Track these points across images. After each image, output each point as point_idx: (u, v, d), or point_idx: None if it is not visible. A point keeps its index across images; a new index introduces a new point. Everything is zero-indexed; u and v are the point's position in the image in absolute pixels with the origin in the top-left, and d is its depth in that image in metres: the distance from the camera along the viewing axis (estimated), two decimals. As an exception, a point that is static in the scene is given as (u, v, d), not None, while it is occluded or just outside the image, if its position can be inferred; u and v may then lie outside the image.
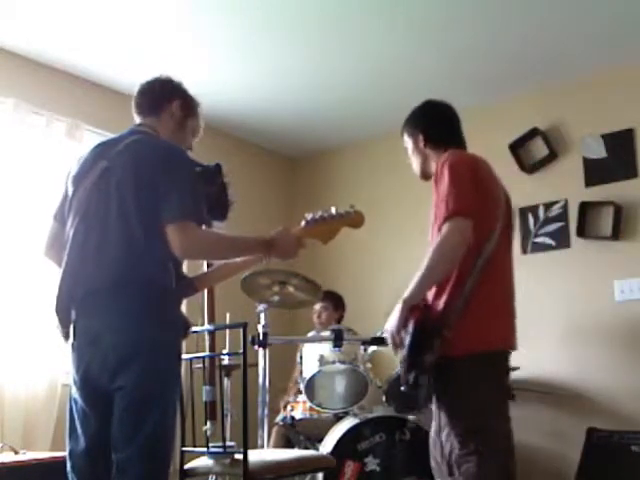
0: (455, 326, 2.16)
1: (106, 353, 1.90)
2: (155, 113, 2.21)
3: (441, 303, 2.22)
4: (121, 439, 1.89)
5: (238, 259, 2.29)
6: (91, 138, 3.90)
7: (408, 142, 2.57)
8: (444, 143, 2.45)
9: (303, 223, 2.24)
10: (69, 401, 2.04)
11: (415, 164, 2.55)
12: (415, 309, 2.17)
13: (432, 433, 2.31)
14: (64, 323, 2.00)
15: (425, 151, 2.49)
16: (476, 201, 2.20)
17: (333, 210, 2.25)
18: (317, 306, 4.21)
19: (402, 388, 2.25)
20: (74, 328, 1.98)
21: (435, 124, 2.51)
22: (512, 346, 2.32)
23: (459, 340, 2.16)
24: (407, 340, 2.15)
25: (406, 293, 2.18)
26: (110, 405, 1.91)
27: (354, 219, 2.28)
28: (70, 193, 2.11)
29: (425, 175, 2.52)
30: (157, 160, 2.01)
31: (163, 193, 1.95)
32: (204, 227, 2.05)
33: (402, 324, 2.16)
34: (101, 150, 2.12)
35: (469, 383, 2.19)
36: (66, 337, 2.02)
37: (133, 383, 1.89)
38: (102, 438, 1.93)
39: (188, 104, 2.29)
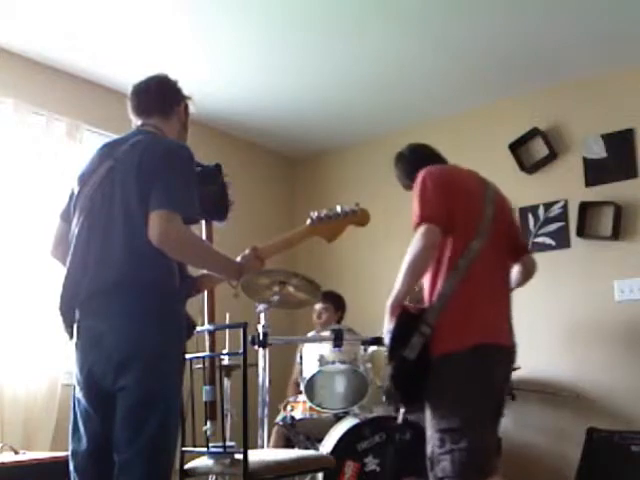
0: (434, 325, 2.27)
1: (110, 353, 1.90)
2: (163, 115, 2.21)
3: (427, 302, 2.37)
4: (123, 439, 1.89)
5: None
6: (91, 138, 3.91)
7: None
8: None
9: (308, 222, 2.24)
10: (72, 401, 2.04)
11: None
12: (398, 310, 2.31)
13: (430, 427, 2.36)
14: (68, 323, 2.00)
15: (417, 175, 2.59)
16: (442, 209, 2.36)
17: (338, 208, 2.26)
18: (318, 306, 4.20)
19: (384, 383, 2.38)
20: (78, 328, 1.98)
21: (413, 167, 2.61)
22: (496, 342, 2.34)
23: (437, 339, 2.27)
24: (388, 337, 2.30)
25: (390, 299, 2.34)
26: (113, 405, 1.91)
27: (359, 217, 2.29)
28: (76, 192, 2.12)
29: None
30: (161, 157, 2.01)
31: (158, 186, 1.94)
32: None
33: (389, 327, 2.32)
34: (108, 150, 2.12)
35: (446, 382, 2.28)
36: (71, 336, 2.02)
37: (136, 383, 1.89)
38: (105, 438, 1.93)
39: (188, 105, 2.30)
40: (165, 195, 1.94)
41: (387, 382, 2.32)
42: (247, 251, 2.23)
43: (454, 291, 2.30)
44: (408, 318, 2.30)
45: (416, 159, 2.70)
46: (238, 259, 2.20)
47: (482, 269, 2.35)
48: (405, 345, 2.25)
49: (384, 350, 3.40)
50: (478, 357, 2.27)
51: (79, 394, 1.99)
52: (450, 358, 2.27)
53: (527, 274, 2.67)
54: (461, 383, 2.27)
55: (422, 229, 2.33)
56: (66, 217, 2.16)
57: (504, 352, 2.39)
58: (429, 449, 2.30)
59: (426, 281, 2.42)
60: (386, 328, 2.33)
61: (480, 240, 2.37)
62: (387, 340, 2.32)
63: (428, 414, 2.32)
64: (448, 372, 2.28)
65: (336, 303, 4.29)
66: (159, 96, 2.23)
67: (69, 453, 2.02)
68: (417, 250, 2.31)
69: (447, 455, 2.22)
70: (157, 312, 1.96)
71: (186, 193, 2.00)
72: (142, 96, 2.24)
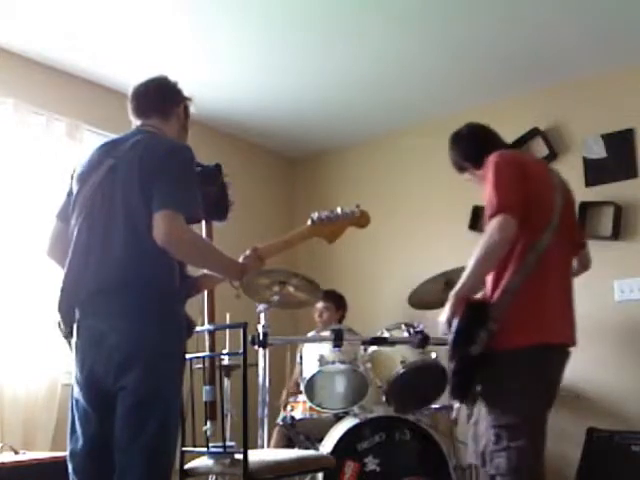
0: (502, 320, 2.20)
1: (110, 353, 1.90)
2: (162, 116, 2.22)
3: (493, 296, 2.29)
4: (124, 439, 1.89)
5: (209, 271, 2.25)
6: (91, 138, 3.90)
7: (466, 175, 2.68)
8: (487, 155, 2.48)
9: (309, 222, 2.25)
10: (70, 401, 2.03)
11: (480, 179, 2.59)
12: (463, 302, 2.24)
13: (471, 422, 2.36)
14: (67, 322, 2.00)
15: (480, 173, 2.55)
16: (520, 198, 2.25)
17: (339, 210, 2.26)
18: (319, 305, 4.21)
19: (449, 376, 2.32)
20: (77, 328, 1.98)
21: (472, 150, 2.58)
22: (562, 342, 2.32)
23: (502, 335, 2.20)
24: (452, 332, 2.22)
25: (455, 287, 2.26)
26: (113, 405, 1.91)
27: (360, 219, 2.29)
28: (75, 191, 2.11)
29: None
30: (163, 156, 2.02)
31: (160, 186, 1.95)
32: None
33: (452, 317, 2.24)
34: (108, 148, 2.12)
35: (509, 378, 2.23)
36: (67, 336, 2.02)
37: (136, 383, 1.89)
38: (104, 438, 1.93)
39: (187, 106, 2.31)
40: (168, 195, 1.94)
41: (450, 378, 2.27)
42: (248, 252, 2.23)
43: (522, 286, 2.23)
44: (473, 312, 2.22)
45: (476, 140, 2.61)
46: (240, 260, 2.21)
47: (550, 263, 2.29)
48: (470, 341, 2.18)
49: (389, 350, 3.43)
50: (543, 355, 2.23)
51: (78, 394, 1.99)
52: (515, 354, 2.21)
53: (582, 269, 2.63)
54: (524, 379, 2.22)
55: (499, 220, 2.20)
56: (63, 217, 2.15)
57: (567, 351, 2.35)
58: (482, 444, 2.25)
59: (491, 273, 2.33)
60: (445, 318, 2.25)
61: (550, 232, 2.29)
62: (443, 331, 2.26)
63: (485, 409, 2.27)
64: (512, 368, 2.22)
65: (337, 302, 4.29)
66: (158, 97, 2.24)
67: (67, 454, 2.02)
68: (492, 243, 2.19)
69: (503, 452, 2.17)
70: (157, 312, 1.96)
71: (189, 193, 2.00)
72: (141, 98, 2.24)
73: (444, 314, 2.27)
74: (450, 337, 2.23)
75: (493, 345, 2.19)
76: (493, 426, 2.22)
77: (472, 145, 2.60)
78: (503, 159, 2.36)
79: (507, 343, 2.21)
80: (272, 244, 2.31)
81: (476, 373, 2.23)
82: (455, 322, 2.22)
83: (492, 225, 2.21)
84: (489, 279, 2.34)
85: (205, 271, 2.46)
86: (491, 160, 2.36)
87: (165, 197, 1.94)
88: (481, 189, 2.52)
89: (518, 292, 2.23)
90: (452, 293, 2.26)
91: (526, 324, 2.23)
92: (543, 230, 2.29)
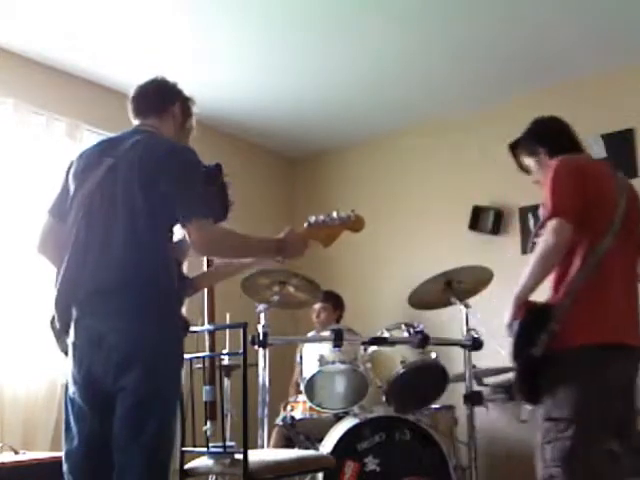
0: (563, 321, 2.27)
1: (109, 353, 1.90)
2: (157, 115, 2.22)
3: (554, 298, 2.35)
4: (123, 439, 1.89)
5: (247, 259, 2.30)
6: (91, 138, 3.90)
7: (529, 160, 2.67)
8: (565, 151, 2.52)
9: (305, 225, 2.25)
10: (64, 401, 2.03)
11: (542, 179, 2.60)
12: (525, 305, 2.32)
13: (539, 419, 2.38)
14: (63, 320, 1.99)
15: (549, 163, 2.54)
16: (576, 203, 2.31)
17: (335, 214, 2.26)
18: (316, 306, 4.21)
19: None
20: (75, 327, 1.97)
21: (553, 137, 2.60)
22: (625, 342, 2.32)
23: (564, 334, 2.26)
24: (513, 335, 2.31)
25: (516, 290, 2.34)
26: (111, 405, 1.91)
27: (354, 224, 2.30)
28: (72, 189, 2.10)
29: None
30: (166, 158, 2.02)
31: (176, 193, 1.96)
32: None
33: (512, 319, 2.33)
34: (106, 147, 2.11)
35: (568, 376, 2.27)
36: (60, 334, 2.00)
37: (136, 383, 1.88)
38: (100, 439, 1.93)
39: (187, 105, 2.31)
40: (192, 204, 1.97)
41: (513, 380, 2.35)
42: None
43: (583, 288, 2.29)
44: (534, 314, 2.30)
45: (561, 130, 2.62)
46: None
47: (612, 266, 2.33)
48: (532, 342, 2.26)
49: (389, 350, 3.43)
50: (604, 354, 2.26)
51: (73, 394, 1.98)
52: (576, 353, 2.27)
53: None
54: (583, 378, 2.26)
55: (554, 223, 2.28)
56: (55, 213, 2.14)
57: (630, 351, 2.35)
58: (539, 438, 2.31)
59: (553, 275, 2.38)
60: (508, 320, 2.33)
61: (612, 236, 2.34)
62: (510, 334, 2.33)
63: (543, 404, 2.32)
64: (572, 367, 2.27)
65: (334, 302, 4.29)
66: (153, 97, 2.25)
67: (63, 454, 2.01)
68: (547, 246, 2.28)
69: (549, 445, 2.24)
70: (157, 312, 1.96)
71: (208, 197, 2.04)
72: (140, 98, 2.25)
73: (506, 317, 2.35)
74: (511, 340, 2.31)
75: (554, 345, 2.26)
76: (544, 419, 2.29)
77: (554, 133, 2.62)
78: (563, 164, 2.41)
79: (568, 343, 2.27)
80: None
81: (538, 373, 2.30)
82: (516, 325, 2.31)
83: (547, 229, 2.30)
84: (551, 281, 2.40)
85: (204, 270, 2.47)
86: (552, 164, 2.42)
87: (192, 206, 1.96)
88: (541, 179, 2.57)
89: (579, 294, 2.29)
90: (514, 296, 2.34)
91: (587, 325, 2.28)
92: (604, 234, 2.34)
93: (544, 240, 2.29)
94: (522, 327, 2.29)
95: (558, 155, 2.48)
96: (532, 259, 2.31)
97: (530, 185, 4.27)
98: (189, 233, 1.95)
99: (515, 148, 2.75)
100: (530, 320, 2.30)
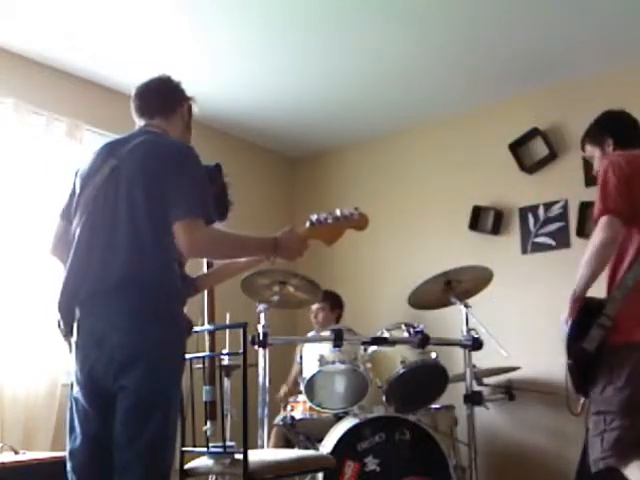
0: (615, 316, 2.33)
1: (111, 353, 1.90)
2: (165, 115, 2.22)
3: (608, 294, 2.42)
4: (124, 439, 1.89)
5: (242, 259, 2.29)
6: (91, 138, 3.91)
7: (594, 150, 2.74)
8: (632, 144, 2.60)
9: (307, 224, 2.23)
10: (69, 400, 2.03)
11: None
12: (580, 301, 2.41)
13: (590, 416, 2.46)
14: (67, 321, 2.00)
15: (602, 160, 2.62)
16: (627, 199, 2.38)
17: (338, 212, 2.24)
18: (314, 306, 4.21)
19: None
20: (78, 327, 1.97)
21: (622, 129, 2.67)
22: None
23: (616, 329, 2.33)
24: (567, 331, 2.41)
25: (574, 289, 2.43)
26: (112, 405, 1.91)
27: (358, 222, 2.28)
28: (77, 191, 2.11)
29: None
30: (169, 158, 2.02)
31: (173, 191, 1.96)
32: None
33: (569, 317, 2.44)
34: (110, 149, 2.12)
35: (617, 370, 2.34)
36: (67, 335, 2.01)
37: (137, 383, 1.89)
38: (103, 438, 1.93)
39: (191, 106, 2.31)
40: (184, 203, 1.95)
41: (566, 373, 2.43)
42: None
43: (635, 284, 2.34)
44: (587, 310, 2.37)
45: (633, 126, 2.70)
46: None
47: None
48: (584, 337, 2.33)
49: (389, 350, 3.43)
50: None
51: (77, 393, 1.99)
52: (627, 348, 2.33)
53: None
54: (633, 372, 2.31)
55: (604, 221, 2.36)
56: (66, 216, 2.16)
57: None
58: (588, 430, 2.40)
59: (606, 271, 2.45)
60: (564, 318, 2.42)
61: None
62: (565, 331, 2.42)
63: (593, 398, 2.40)
64: (623, 361, 2.33)
65: (332, 302, 4.28)
66: (161, 97, 2.24)
67: (66, 453, 2.02)
68: (599, 242, 2.35)
69: (598, 437, 2.33)
70: (159, 312, 1.97)
71: (204, 197, 2.01)
72: (144, 97, 2.24)
73: (563, 315, 2.45)
74: (565, 336, 2.41)
75: (607, 340, 2.33)
76: (593, 413, 2.37)
77: (626, 125, 2.69)
78: (613, 164, 2.46)
79: (619, 338, 2.33)
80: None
81: (591, 367, 2.37)
82: (569, 322, 2.40)
83: (598, 227, 2.37)
84: (605, 277, 2.46)
85: (204, 271, 2.47)
86: (605, 161, 2.48)
87: (183, 205, 1.95)
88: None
89: (631, 290, 2.35)
90: (572, 293, 2.41)
91: (629, 320, 2.34)
92: None
93: (594, 238, 2.36)
94: (573, 322, 2.39)
95: (621, 147, 2.55)
96: (584, 258, 2.38)
97: (530, 185, 4.31)
98: (177, 233, 1.93)
99: (585, 137, 2.82)
100: (582, 317, 2.38)
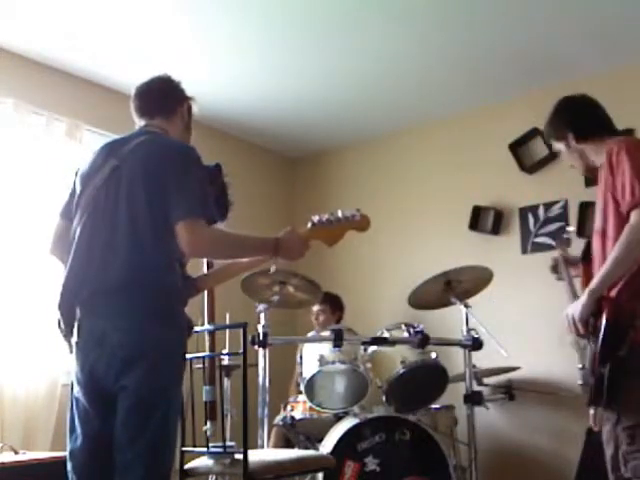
0: None
1: (112, 353, 1.90)
2: (165, 115, 2.22)
3: (630, 293, 2.21)
4: (124, 439, 1.89)
5: (244, 259, 2.29)
6: (91, 138, 3.91)
7: (559, 145, 2.57)
8: (596, 133, 2.44)
9: (309, 225, 2.23)
10: (70, 400, 2.03)
11: (575, 163, 2.55)
12: (604, 301, 2.19)
13: (608, 426, 2.24)
14: (67, 321, 2.00)
15: (578, 147, 2.49)
16: None
17: (339, 213, 2.24)
18: (315, 308, 4.21)
19: (589, 381, 2.24)
20: (78, 327, 1.97)
21: (580, 117, 2.50)
22: None
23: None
24: (600, 334, 2.16)
25: (593, 283, 2.21)
26: (113, 405, 1.91)
27: (360, 223, 2.27)
28: (78, 191, 2.11)
29: (589, 169, 2.53)
30: (170, 158, 2.02)
31: (174, 191, 1.96)
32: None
33: (588, 313, 2.21)
34: (111, 149, 2.12)
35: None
36: (67, 335, 2.01)
37: (138, 383, 1.89)
38: (104, 438, 1.93)
39: (191, 105, 2.31)
40: (185, 203, 1.95)
41: (595, 383, 2.20)
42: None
43: None
44: (619, 313, 2.16)
45: (592, 110, 2.53)
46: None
47: None
48: (621, 343, 2.13)
49: (389, 350, 3.42)
50: None
51: (78, 393, 1.99)
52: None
53: None
54: None
55: (638, 213, 2.14)
56: (66, 215, 2.16)
57: None
58: (612, 447, 2.18)
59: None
60: (578, 315, 2.22)
61: None
62: (584, 330, 2.21)
63: (619, 407, 2.18)
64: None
65: (333, 304, 4.28)
66: (161, 97, 2.24)
67: (67, 453, 2.02)
68: (635, 240, 2.14)
69: (639, 453, 2.11)
70: (160, 312, 1.97)
71: (204, 197, 2.01)
72: (144, 97, 2.24)
73: (577, 309, 2.24)
74: (599, 340, 2.17)
75: (637, 340, 2.14)
76: (625, 428, 2.15)
77: (584, 114, 2.51)
78: (635, 146, 2.26)
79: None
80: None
81: (621, 373, 2.16)
82: (602, 323, 2.17)
83: (634, 218, 2.15)
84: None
85: (204, 271, 2.47)
86: (620, 147, 2.26)
87: (184, 205, 1.95)
88: (574, 163, 2.51)
89: None
90: (590, 289, 2.22)
91: None
92: None
93: (632, 229, 2.14)
94: (610, 327, 2.15)
95: (584, 137, 2.38)
96: (615, 250, 2.16)
97: (530, 185, 4.31)
98: (178, 234, 1.93)
99: (547, 132, 2.66)
100: (618, 319, 2.15)
